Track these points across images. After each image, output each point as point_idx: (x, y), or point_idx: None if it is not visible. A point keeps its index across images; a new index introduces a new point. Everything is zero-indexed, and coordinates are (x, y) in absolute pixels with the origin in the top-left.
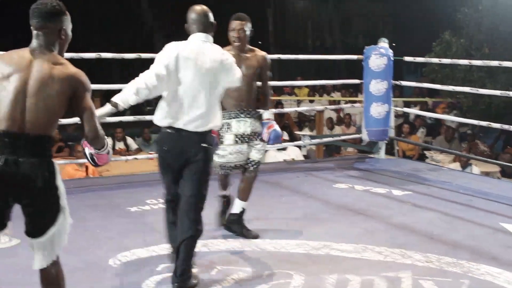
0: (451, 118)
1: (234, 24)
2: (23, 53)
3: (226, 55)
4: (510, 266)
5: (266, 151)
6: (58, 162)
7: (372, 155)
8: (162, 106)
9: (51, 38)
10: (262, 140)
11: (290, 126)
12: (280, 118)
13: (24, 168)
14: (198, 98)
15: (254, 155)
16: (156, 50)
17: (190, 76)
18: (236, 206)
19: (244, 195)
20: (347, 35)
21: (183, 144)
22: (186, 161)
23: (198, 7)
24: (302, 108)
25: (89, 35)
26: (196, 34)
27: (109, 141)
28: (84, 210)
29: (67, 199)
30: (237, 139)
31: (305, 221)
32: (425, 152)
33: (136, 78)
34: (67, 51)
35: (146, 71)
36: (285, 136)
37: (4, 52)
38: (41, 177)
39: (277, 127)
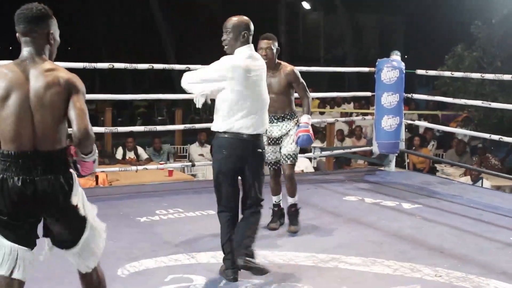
0: (462, 132)
1: (262, 43)
2: (15, 67)
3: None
4: (500, 274)
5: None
6: None
7: (382, 168)
8: (222, 113)
9: (40, 43)
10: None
11: None
12: None
13: (42, 187)
14: (255, 104)
15: (285, 150)
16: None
17: (252, 83)
18: (290, 201)
19: (291, 193)
20: (359, 47)
21: (243, 148)
22: (244, 166)
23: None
24: (313, 120)
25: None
26: (250, 45)
27: (120, 150)
28: None
29: None
30: (269, 140)
31: (314, 233)
32: (436, 165)
33: None
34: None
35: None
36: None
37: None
38: (62, 193)
39: (309, 131)
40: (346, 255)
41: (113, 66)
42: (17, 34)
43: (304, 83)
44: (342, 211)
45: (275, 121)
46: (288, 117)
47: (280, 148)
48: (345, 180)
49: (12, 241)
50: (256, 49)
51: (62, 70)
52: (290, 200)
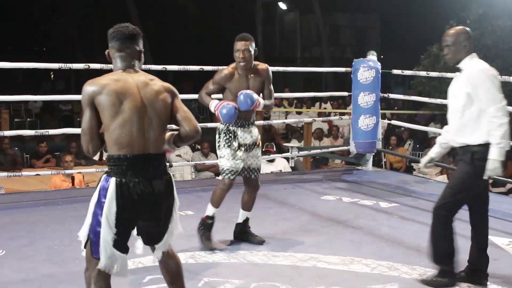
0: (438, 131)
1: (239, 44)
2: (122, 76)
3: None
4: (497, 278)
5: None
6: (45, 172)
7: (359, 167)
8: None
9: (133, 58)
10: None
11: (276, 138)
12: (267, 131)
13: (158, 187)
14: None
15: (255, 162)
16: None
17: None
18: (241, 216)
19: (248, 206)
20: (335, 47)
21: None
22: None
23: None
24: (290, 120)
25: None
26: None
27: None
28: (70, 221)
29: (54, 210)
30: (241, 147)
31: (292, 233)
32: (412, 164)
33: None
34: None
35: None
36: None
37: (101, 78)
38: (171, 193)
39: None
40: (324, 254)
41: (89, 67)
42: (108, 50)
43: (272, 90)
44: (320, 211)
45: (246, 126)
46: (254, 122)
47: (248, 157)
48: (322, 179)
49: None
50: (207, 60)
51: (158, 79)
52: (248, 215)
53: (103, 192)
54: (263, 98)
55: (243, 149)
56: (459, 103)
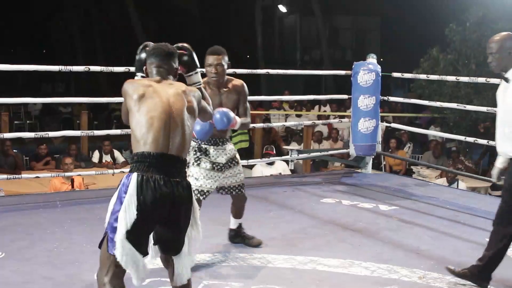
0: (438, 134)
1: (211, 59)
2: (153, 81)
3: None
4: (496, 281)
5: (253, 166)
6: (44, 175)
7: (359, 170)
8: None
9: (169, 73)
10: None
11: (277, 141)
12: (267, 133)
13: (178, 189)
14: None
15: (234, 180)
16: None
17: None
18: (233, 222)
19: (238, 215)
20: (335, 49)
21: None
22: None
23: None
24: (290, 123)
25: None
26: None
27: (96, 154)
28: (70, 224)
29: (53, 212)
30: (214, 165)
31: (292, 236)
32: (412, 167)
33: None
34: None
35: None
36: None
37: (136, 81)
38: (190, 196)
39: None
40: (324, 257)
41: (89, 69)
42: (146, 66)
43: (249, 107)
44: (319, 214)
45: (220, 144)
46: (229, 139)
47: (225, 177)
48: (322, 182)
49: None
50: (202, 65)
51: (189, 88)
52: (240, 221)
53: (124, 188)
54: (238, 115)
55: (216, 168)
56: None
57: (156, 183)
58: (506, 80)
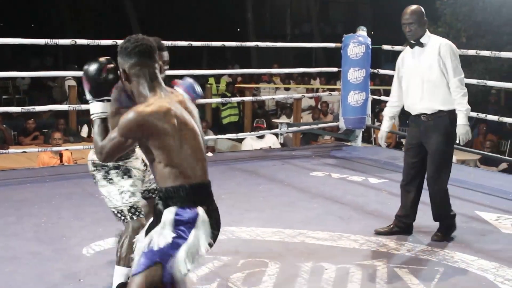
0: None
1: (166, 55)
2: (173, 96)
3: None
4: (484, 253)
5: (243, 139)
6: (32, 150)
7: (349, 143)
8: None
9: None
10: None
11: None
12: (258, 106)
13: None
14: None
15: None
16: None
17: None
18: (119, 274)
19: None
20: (325, 23)
21: None
22: None
23: None
24: (279, 96)
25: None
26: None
27: (85, 128)
28: (58, 199)
29: (41, 187)
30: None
31: (281, 209)
32: (402, 140)
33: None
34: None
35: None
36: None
37: (156, 111)
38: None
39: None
40: (313, 230)
41: (75, 42)
42: (126, 72)
43: None
44: (309, 187)
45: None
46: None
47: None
48: (312, 155)
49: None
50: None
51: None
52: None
53: (186, 225)
54: None
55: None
56: (433, 75)
57: (217, 214)
58: (421, 45)
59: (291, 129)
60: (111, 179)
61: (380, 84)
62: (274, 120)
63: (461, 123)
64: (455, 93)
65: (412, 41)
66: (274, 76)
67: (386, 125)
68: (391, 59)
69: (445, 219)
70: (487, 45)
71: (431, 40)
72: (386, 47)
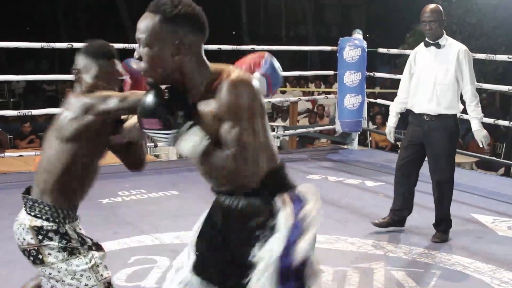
0: None
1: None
2: None
3: None
4: (480, 256)
5: None
6: (29, 153)
7: (345, 146)
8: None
9: None
10: None
11: None
12: None
13: None
14: None
15: None
16: None
17: None
18: None
19: None
20: (320, 25)
21: None
22: None
23: None
24: (276, 99)
25: None
26: None
27: None
28: None
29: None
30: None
31: None
32: (398, 143)
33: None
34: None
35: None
36: None
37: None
38: None
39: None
40: None
41: (72, 46)
42: (182, 45)
43: None
44: None
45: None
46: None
47: None
48: (308, 158)
49: None
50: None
51: None
52: None
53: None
54: None
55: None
56: (447, 78)
57: None
58: (438, 46)
59: (287, 132)
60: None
61: (375, 87)
62: (270, 123)
63: (478, 128)
64: (470, 100)
65: (429, 41)
66: None
67: (393, 120)
68: (386, 62)
69: (446, 220)
70: (482, 47)
71: (449, 43)
72: (381, 50)
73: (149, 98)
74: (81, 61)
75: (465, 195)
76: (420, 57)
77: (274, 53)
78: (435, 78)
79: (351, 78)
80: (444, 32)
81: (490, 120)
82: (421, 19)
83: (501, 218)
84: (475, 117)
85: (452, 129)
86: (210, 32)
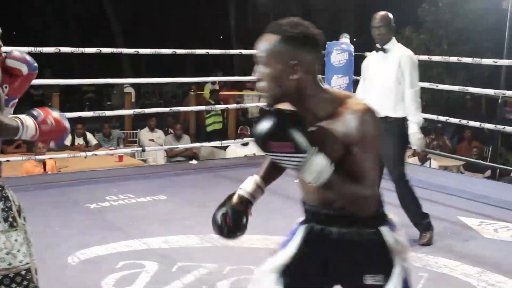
0: None
1: None
2: None
3: None
4: (467, 258)
5: (227, 146)
6: (16, 158)
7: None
8: None
9: None
10: None
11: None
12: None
13: None
14: None
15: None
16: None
17: None
18: None
19: None
20: None
21: None
22: None
23: None
24: (265, 104)
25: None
26: None
27: (69, 136)
28: (42, 207)
29: (25, 196)
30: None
31: (266, 216)
32: None
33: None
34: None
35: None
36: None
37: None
38: None
39: None
40: None
41: (59, 50)
42: (295, 61)
43: None
44: (293, 193)
45: None
46: None
47: None
48: None
49: None
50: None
51: None
52: None
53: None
54: None
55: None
56: (390, 82)
57: None
58: (385, 51)
59: None
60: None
61: None
62: None
63: (414, 131)
64: (409, 104)
65: (378, 46)
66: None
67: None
68: None
69: (421, 219)
70: (469, 52)
71: (395, 48)
72: (368, 54)
73: (279, 121)
74: None
75: (452, 198)
76: (371, 62)
77: None
78: (380, 82)
79: (338, 82)
80: (394, 37)
81: (476, 124)
82: (371, 25)
83: (487, 221)
84: (413, 121)
85: (395, 131)
86: (198, 37)
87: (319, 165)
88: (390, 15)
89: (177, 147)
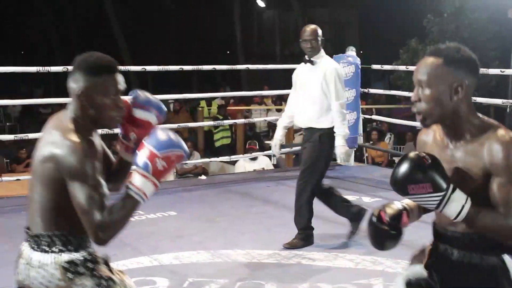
0: (413, 124)
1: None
2: None
3: None
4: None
5: (236, 161)
6: (26, 177)
7: (342, 163)
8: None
9: None
10: None
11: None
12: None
13: None
14: None
15: None
16: None
17: None
18: None
19: None
20: None
21: None
22: None
23: None
24: (271, 118)
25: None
26: None
27: None
28: None
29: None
30: None
31: (276, 231)
32: (394, 158)
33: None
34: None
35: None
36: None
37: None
38: None
39: None
40: (308, 251)
41: (67, 69)
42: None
43: None
44: None
45: None
46: None
47: None
48: None
49: None
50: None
51: None
52: None
53: None
54: None
55: None
56: (315, 93)
57: None
58: (312, 63)
59: (283, 150)
60: None
61: (373, 103)
62: (266, 142)
63: (340, 144)
64: (336, 117)
65: (307, 58)
66: (265, 97)
67: (279, 133)
68: (381, 78)
69: (303, 228)
70: None
71: (322, 61)
72: (375, 66)
73: (415, 162)
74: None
75: None
76: (300, 73)
77: (268, 71)
78: (307, 93)
79: (345, 95)
80: (322, 50)
81: None
82: (301, 38)
83: None
84: (339, 134)
85: (316, 142)
86: (205, 52)
87: (459, 201)
88: (319, 29)
89: (186, 163)
